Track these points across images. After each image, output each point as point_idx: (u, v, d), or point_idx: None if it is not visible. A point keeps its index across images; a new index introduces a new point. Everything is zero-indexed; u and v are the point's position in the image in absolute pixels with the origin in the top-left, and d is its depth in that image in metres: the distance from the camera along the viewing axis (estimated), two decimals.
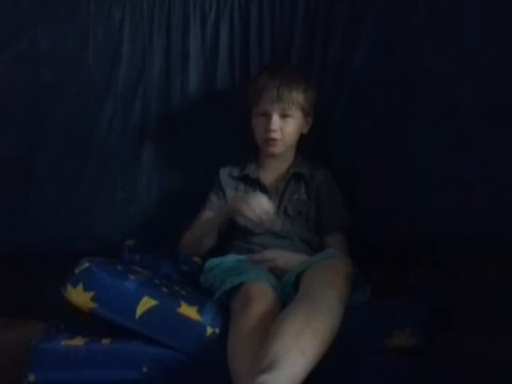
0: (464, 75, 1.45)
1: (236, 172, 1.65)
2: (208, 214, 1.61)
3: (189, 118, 1.71)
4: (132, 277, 1.30)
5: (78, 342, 1.24)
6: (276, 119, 1.55)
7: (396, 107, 1.57)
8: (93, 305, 1.23)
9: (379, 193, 1.57)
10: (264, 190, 1.60)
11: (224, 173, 1.65)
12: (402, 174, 1.54)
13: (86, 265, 1.28)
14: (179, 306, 1.26)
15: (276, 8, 1.67)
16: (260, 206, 1.43)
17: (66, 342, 1.24)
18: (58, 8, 1.67)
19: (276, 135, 1.55)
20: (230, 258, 1.50)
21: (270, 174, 1.63)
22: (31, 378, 1.21)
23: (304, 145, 1.65)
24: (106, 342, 1.24)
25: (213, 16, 1.69)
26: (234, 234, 1.60)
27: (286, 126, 1.56)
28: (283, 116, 1.55)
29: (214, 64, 1.70)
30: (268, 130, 1.55)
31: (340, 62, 1.64)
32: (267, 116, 1.56)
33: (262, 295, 1.25)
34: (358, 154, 1.62)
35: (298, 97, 1.55)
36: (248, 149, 1.65)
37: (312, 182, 1.61)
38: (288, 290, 1.31)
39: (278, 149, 1.58)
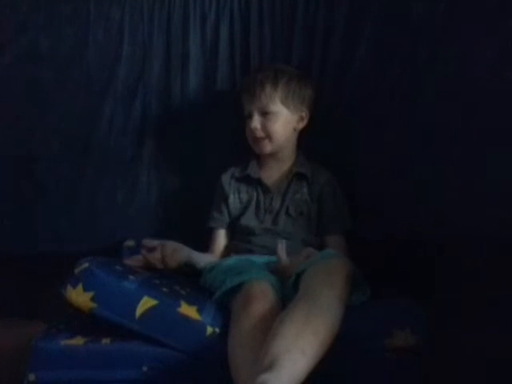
0: (464, 75, 1.45)
1: (237, 172, 1.64)
2: (219, 232, 1.62)
3: (189, 117, 1.71)
4: (132, 277, 1.30)
5: (78, 341, 1.24)
6: (256, 118, 1.54)
7: (396, 107, 1.57)
8: (93, 305, 1.23)
9: (379, 192, 1.57)
10: (266, 189, 1.60)
11: (226, 177, 1.64)
12: (401, 174, 1.54)
13: (86, 265, 1.28)
14: (179, 305, 1.26)
15: (276, 8, 1.67)
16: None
17: (66, 342, 1.24)
18: (58, 8, 1.67)
19: (258, 133, 1.55)
20: (230, 258, 1.50)
21: (272, 173, 1.62)
22: (31, 377, 1.21)
23: (304, 144, 1.65)
24: (106, 341, 1.24)
25: (213, 16, 1.69)
26: (234, 234, 1.61)
27: (268, 123, 1.54)
28: (264, 114, 1.54)
29: (214, 64, 1.70)
30: (251, 129, 1.55)
31: (340, 62, 1.64)
32: (251, 117, 1.56)
33: (262, 295, 1.24)
34: (358, 154, 1.62)
35: (273, 92, 1.53)
36: (248, 149, 1.65)
37: (315, 182, 1.59)
38: (288, 290, 1.31)
39: (266, 147, 1.57)
